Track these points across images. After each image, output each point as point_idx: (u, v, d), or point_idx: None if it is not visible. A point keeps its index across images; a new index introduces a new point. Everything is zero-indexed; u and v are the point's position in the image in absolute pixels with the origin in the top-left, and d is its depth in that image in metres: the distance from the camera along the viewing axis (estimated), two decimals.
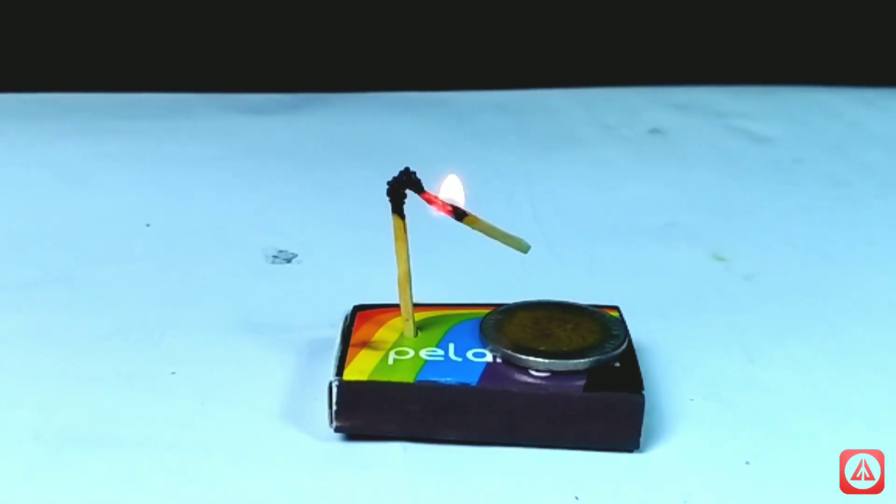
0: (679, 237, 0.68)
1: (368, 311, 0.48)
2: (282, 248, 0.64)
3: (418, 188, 0.43)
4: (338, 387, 0.43)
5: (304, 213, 0.71)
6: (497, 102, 0.97)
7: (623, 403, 0.42)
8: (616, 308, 0.49)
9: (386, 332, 0.46)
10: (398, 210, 0.44)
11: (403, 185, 0.43)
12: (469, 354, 0.44)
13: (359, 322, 0.47)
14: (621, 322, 0.47)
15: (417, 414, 0.43)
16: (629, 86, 1.00)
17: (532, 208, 0.72)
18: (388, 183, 0.43)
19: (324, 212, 0.71)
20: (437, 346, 0.45)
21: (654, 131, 0.90)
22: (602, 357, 0.44)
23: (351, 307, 0.49)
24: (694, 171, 0.81)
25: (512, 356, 0.44)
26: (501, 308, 0.48)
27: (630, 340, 0.46)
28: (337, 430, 0.43)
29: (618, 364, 0.44)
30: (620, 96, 0.99)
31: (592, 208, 0.73)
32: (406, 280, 0.45)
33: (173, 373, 0.49)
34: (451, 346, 0.45)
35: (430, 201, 0.43)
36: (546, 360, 0.43)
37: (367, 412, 0.43)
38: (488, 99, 0.97)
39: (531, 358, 0.43)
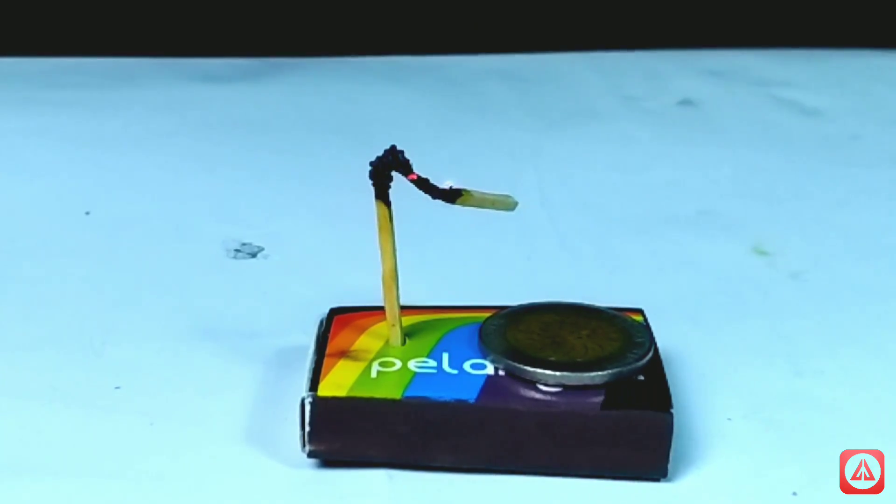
0: (714, 227, 0.68)
1: (347, 315, 0.48)
2: (245, 241, 0.64)
3: (406, 170, 0.43)
4: (311, 404, 0.43)
5: (272, 200, 0.71)
6: (499, 69, 0.97)
7: (648, 424, 0.43)
8: (640, 311, 0.49)
9: (368, 340, 0.46)
10: (383, 196, 0.44)
11: (389, 167, 0.43)
12: (466, 366, 0.45)
13: (336, 328, 0.47)
14: (646, 327, 0.47)
15: (406, 436, 0.43)
16: (655, 49, 1.00)
17: (540, 193, 0.72)
18: (371, 164, 0.43)
19: (295, 198, 0.71)
20: (428, 355, 0.45)
21: (685, 103, 0.90)
22: (623, 369, 0.44)
23: (327, 310, 0.49)
24: (731, 149, 0.81)
25: (517, 368, 0.44)
26: (504, 311, 0.48)
27: (656, 349, 0.46)
28: (311, 454, 0.43)
29: (642, 377, 0.44)
30: (644, 61, 0.99)
31: (611, 194, 0.73)
32: (392, 278, 0.45)
33: (117, 387, 0.49)
34: (446, 357, 0.45)
35: (419, 185, 0.43)
36: (557, 373, 0.43)
37: (346, 434, 0.43)
38: (489, 64, 0.98)
39: (539, 370, 0.43)
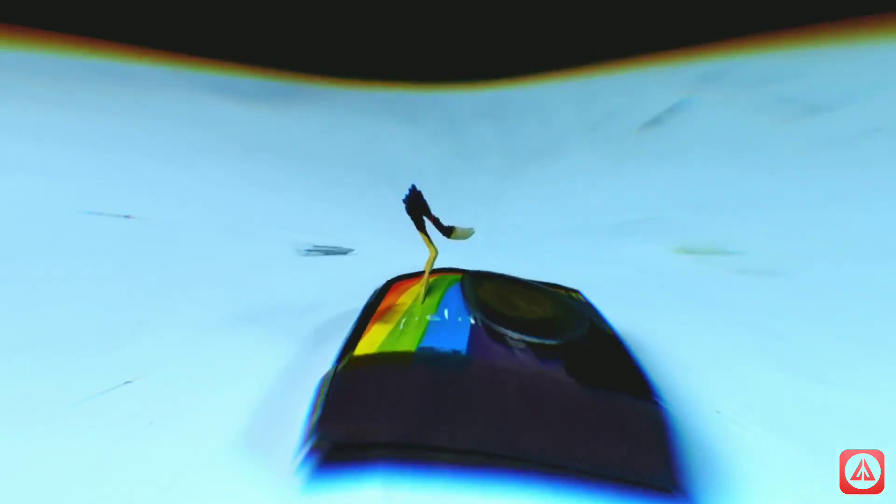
0: (640, 233, 0.72)
1: (402, 282, 0.58)
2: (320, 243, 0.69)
3: (426, 211, 0.53)
4: (332, 379, 0.47)
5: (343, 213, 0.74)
6: (481, 104, 1.00)
7: (637, 413, 0.45)
8: (576, 291, 0.57)
9: (406, 298, 0.55)
10: (421, 228, 0.54)
11: (418, 210, 0.53)
12: (458, 318, 0.52)
13: (393, 290, 0.57)
14: (583, 303, 0.55)
15: (410, 413, 0.46)
16: (652, 50, 1.00)
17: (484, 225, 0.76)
18: (405, 204, 0.53)
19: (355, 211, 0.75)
20: (436, 310, 0.53)
21: (654, 122, 0.91)
22: (574, 333, 0.50)
23: (382, 282, 0.57)
24: (690, 165, 0.83)
25: (491, 325, 0.51)
26: (468, 274, 0.57)
27: (602, 320, 0.53)
28: (317, 444, 0.45)
29: (604, 350, 0.50)
30: (636, 72, 1.00)
31: (547, 216, 0.77)
32: (431, 261, 0.55)
33: (127, 382, 0.49)
34: (446, 311, 0.53)
35: (434, 223, 0.54)
36: (520, 335, 0.50)
37: (356, 412, 0.46)
38: (474, 101, 1.01)
39: (508, 331, 0.50)
